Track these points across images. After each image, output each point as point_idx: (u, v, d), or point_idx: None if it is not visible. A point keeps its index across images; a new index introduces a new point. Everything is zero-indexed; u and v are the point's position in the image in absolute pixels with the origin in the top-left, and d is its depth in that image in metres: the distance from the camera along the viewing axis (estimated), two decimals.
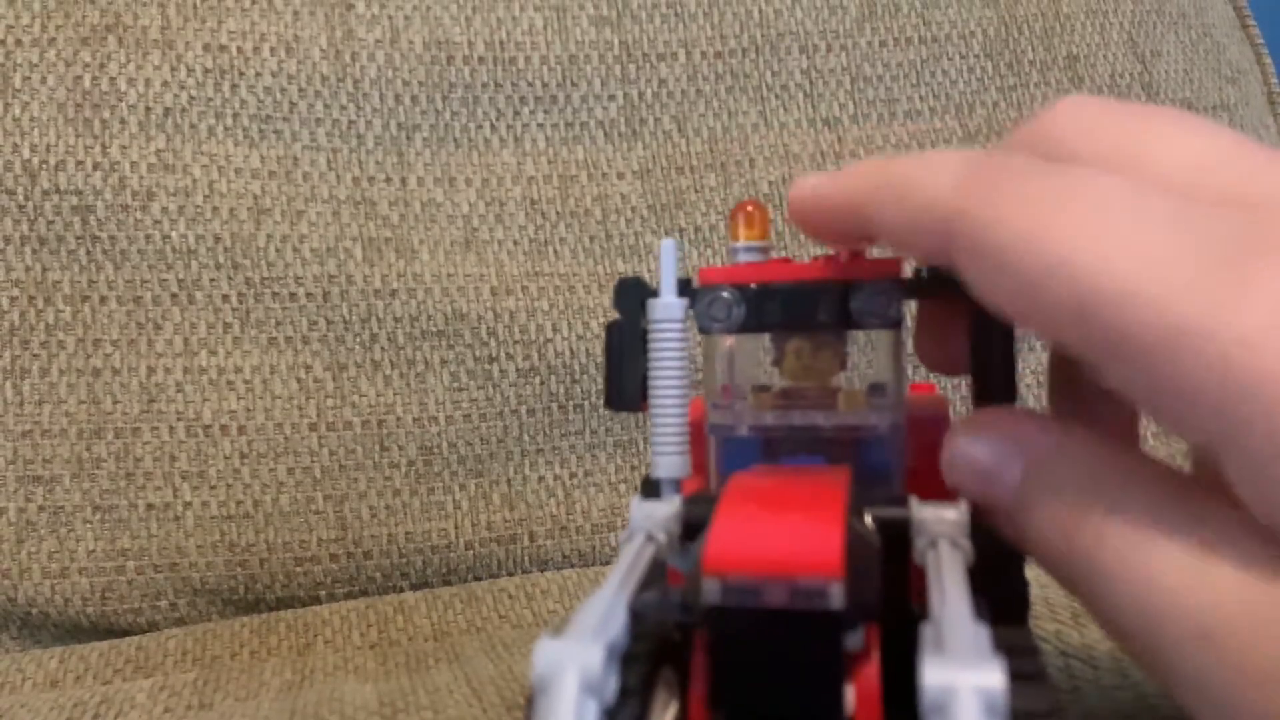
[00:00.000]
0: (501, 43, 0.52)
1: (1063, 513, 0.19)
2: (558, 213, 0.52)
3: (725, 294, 0.25)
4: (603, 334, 0.52)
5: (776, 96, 0.54)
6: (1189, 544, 0.17)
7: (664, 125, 0.53)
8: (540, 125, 0.52)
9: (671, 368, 0.24)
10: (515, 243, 0.51)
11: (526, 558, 0.50)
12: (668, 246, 0.25)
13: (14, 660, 0.44)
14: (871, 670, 0.18)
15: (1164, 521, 0.18)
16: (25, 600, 0.46)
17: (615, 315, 0.25)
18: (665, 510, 0.22)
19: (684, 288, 0.25)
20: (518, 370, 0.50)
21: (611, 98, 0.53)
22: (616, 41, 0.53)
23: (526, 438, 0.50)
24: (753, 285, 0.24)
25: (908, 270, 0.24)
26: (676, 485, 0.24)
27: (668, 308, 0.24)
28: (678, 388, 0.24)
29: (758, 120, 0.54)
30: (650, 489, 0.24)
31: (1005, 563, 0.22)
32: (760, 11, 0.55)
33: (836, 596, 0.17)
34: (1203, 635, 0.16)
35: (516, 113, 0.52)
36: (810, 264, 0.24)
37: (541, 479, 0.50)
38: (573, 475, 0.50)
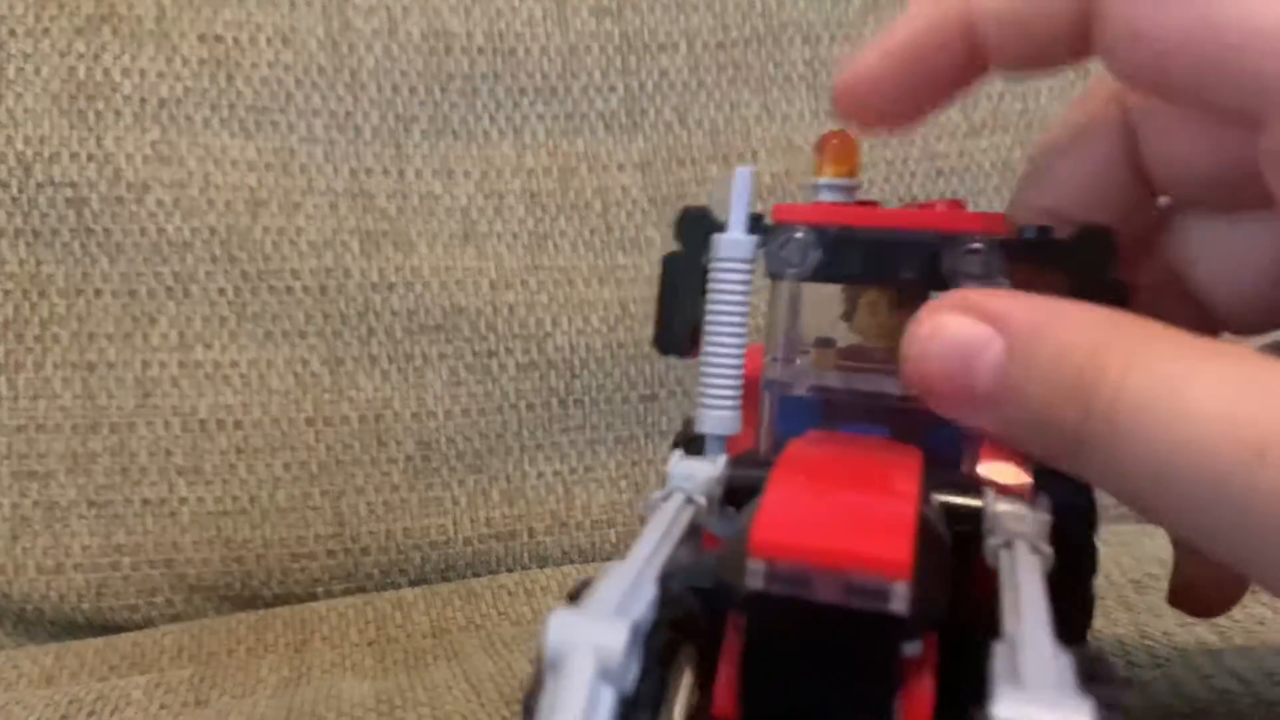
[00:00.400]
0: (501, 33, 0.52)
1: (1067, 379, 0.17)
2: (557, 205, 0.51)
3: (800, 235, 0.22)
4: (604, 327, 0.52)
5: (779, 88, 0.54)
6: (1233, 365, 0.16)
7: (665, 117, 0.53)
8: (540, 117, 0.52)
9: (732, 312, 0.22)
10: (514, 236, 0.51)
11: (526, 554, 0.50)
12: (742, 175, 0.22)
13: (9, 657, 0.43)
14: (926, 685, 0.16)
15: (1197, 352, 0.16)
16: (20, 596, 0.46)
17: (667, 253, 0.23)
18: (708, 471, 0.20)
19: (755, 224, 0.22)
20: (517, 365, 0.50)
21: (612, 89, 0.53)
22: (617, 32, 0.53)
23: (526, 433, 0.50)
24: (833, 228, 0.22)
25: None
26: (722, 443, 0.22)
27: (735, 245, 0.22)
28: (736, 334, 0.22)
29: (760, 112, 0.54)
30: (692, 445, 0.21)
31: (1077, 570, 0.20)
32: (763, 2, 0.54)
33: (900, 599, 0.15)
34: (1259, 452, 0.15)
35: (516, 104, 0.52)
36: (901, 211, 0.22)
37: (541, 474, 0.50)
38: (572, 471, 0.50)
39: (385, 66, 0.51)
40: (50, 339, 0.47)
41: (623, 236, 0.52)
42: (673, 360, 0.51)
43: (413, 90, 0.51)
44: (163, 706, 0.38)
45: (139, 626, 0.46)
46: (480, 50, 0.52)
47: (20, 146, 0.47)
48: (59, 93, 0.48)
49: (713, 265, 0.22)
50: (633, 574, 0.16)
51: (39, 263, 0.47)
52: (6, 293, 0.47)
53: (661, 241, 0.52)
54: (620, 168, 0.52)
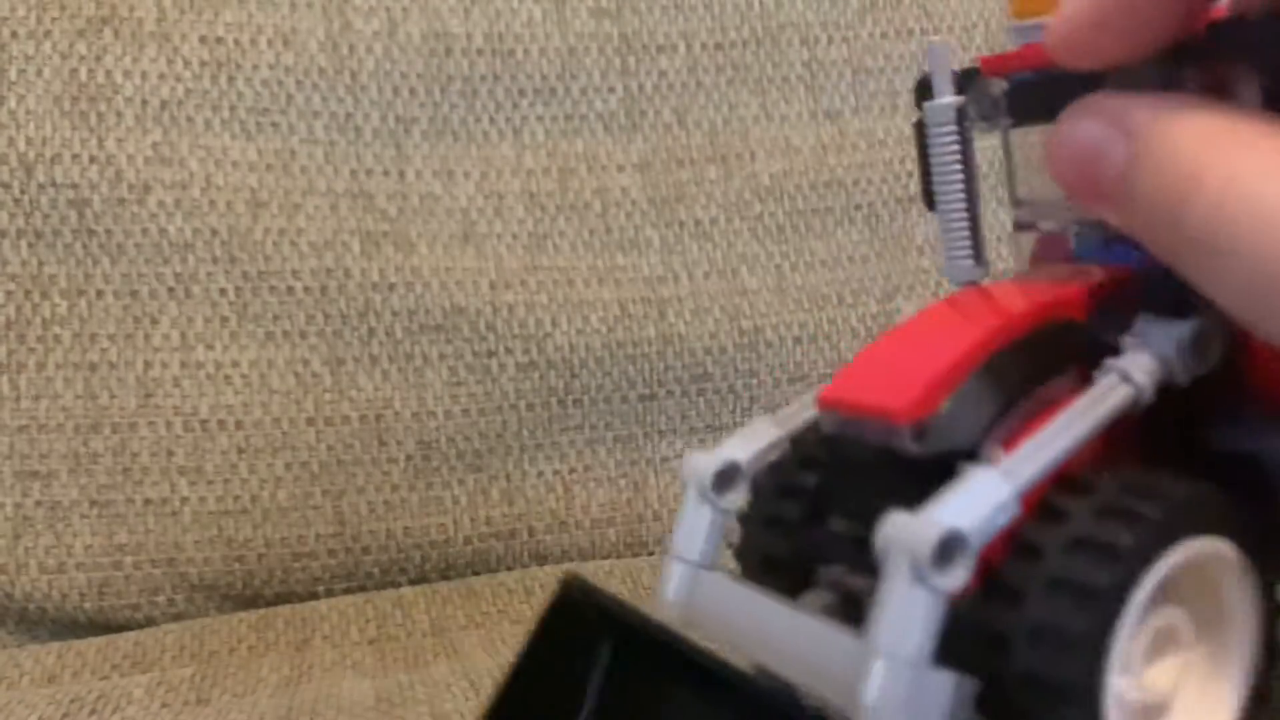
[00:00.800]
0: (500, 34, 0.52)
1: (1182, 172, 0.18)
2: (557, 206, 0.52)
3: (992, 87, 0.24)
4: (604, 327, 0.52)
5: (778, 89, 0.54)
6: None
7: (664, 118, 0.53)
8: (539, 118, 0.52)
9: (949, 170, 0.24)
10: (514, 236, 0.51)
11: (526, 553, 0.50)
12: (933, 50, 0.24)
13: (11, 656, 0.43)
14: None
15: None
16: (22, 596, 0.46)
17: None
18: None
19: (965, 81, 0.24)
20: (517, 365, 0.50)
21: (611, 90, 0.53)
22: (616, 33, 0.53)
23: (525, 432, 0.50)
24: (1018, 74, 0.23)
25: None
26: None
27: (937, 110, 0.24)
28: (959, 191, 0.24)
29: (759, 113, 0.54)
30: None
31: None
32: (761, 3, 0.54)
33: (906, 438, 0.18)
34: None
35: (515, 105, 0.52)
36: None
37: (541, 474, 0.50)
38: (572, 470, 0.50)
39: (385, 68, 0.51)
40: (52, 339, 0.47)
41: (622, 237, 0.52)
42: (671, 360, 0.51)
43: (413, 91, 0.51)
44: (164, 705, 0.39)
45: (141, 625, 0.46)
46: (480, 51, 0.52)
47: (22, 148, 0.47)
48: (60, 94, 0.48)
49: (928, 132, 0.24)
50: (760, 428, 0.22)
51: (41, 263, 0.47)
52: (8, 293, 0.47)
53: (661, 242, 0.52)
54: (619, 168, 0.52)
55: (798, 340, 0.52)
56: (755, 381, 0.51)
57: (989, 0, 0.57)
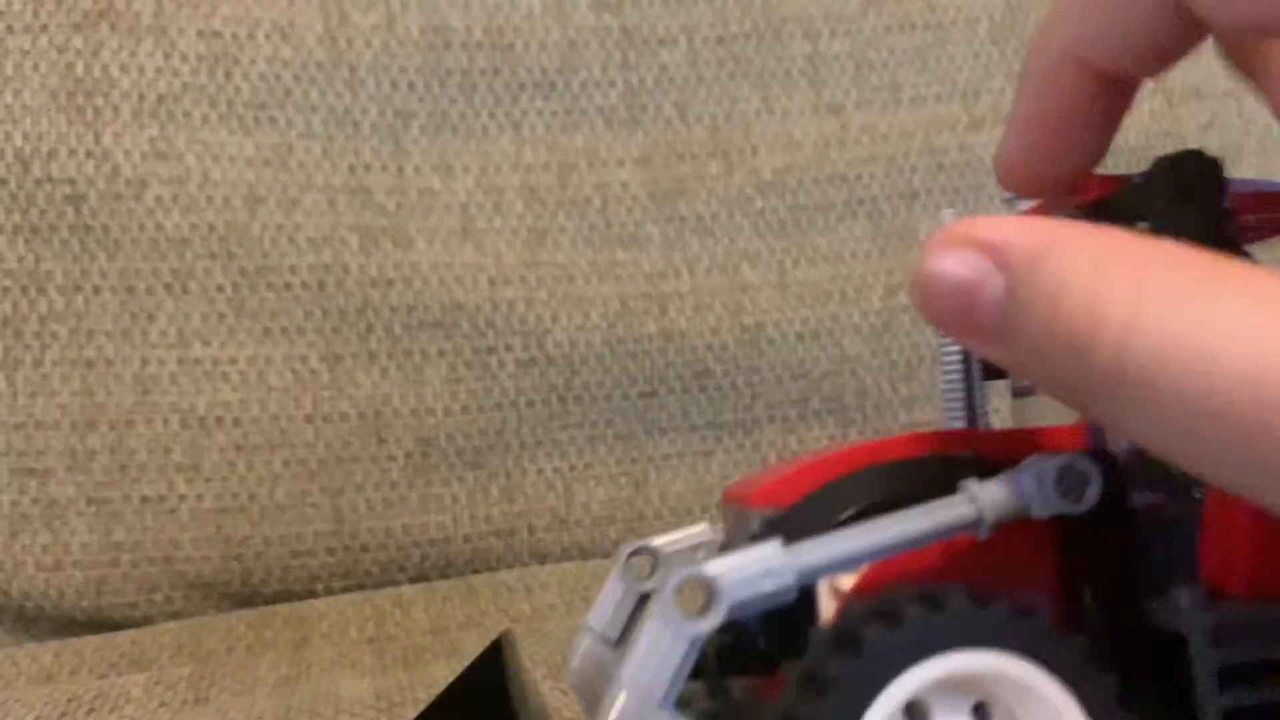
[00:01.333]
0: (500, 28, 0.52)
1: (1066, 319, 0.16)
2: (557, 201, 0.51)
3: None
4: (604, 323, 0.52)
5: (779, 83, 0.54)
6: (1262, 298, 0.14)
7: (665, 112, 0.53)
8: (539, 112, 0.52)
9: (947, 344, 0.24)
10: (513, 232, 0.51)
11: (526, 551, 0.50)
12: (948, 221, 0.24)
13: (8, 654, 0.43)
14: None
15: (1216, 281, 0.15)
16: (19, 594, 0.46)
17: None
18: None
19: None
20: (516, 361, 0.50)
21: (611, 84, 0.52)
22: (616, 27, 0.53)
23: (525, 430, 0.50)
24: None
25: None
26: None
27: None
28: (956, 363, 0.24)
29: (760, 107, 0.53)
30: None
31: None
32: None
33: (757, 522, 0.21)
34: None
35: (515, 99, 0.52)
36: None
37: (541, 471, 0.50)
38: (572, 468, 0.50)
39: (384, 62, 0.51)
40: (49, 336, 0.47)
41: (622, 232, 0.52)
42: (672, 356, 0.51)
43: (411, 86, 0.51)
44: (162, 704, 0.38)
45: (138, 624, 0.46)
46: (479, 45, 0.51)
47: (18, 143, 0.47)
48: (57, 89, 0.48)
49: None
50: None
51: (37, 259, 0.47)
52: (5, 289, 0.47)
53: (661, 237, 0.52)
54: (620, 163, 0.52)
55: (800, 336, 0.52)
56: (757, 378, 0.51)
57: None
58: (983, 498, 0.19)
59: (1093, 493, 0.19)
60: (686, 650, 0.18)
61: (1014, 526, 0.20)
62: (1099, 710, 0.18)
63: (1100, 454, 0.20)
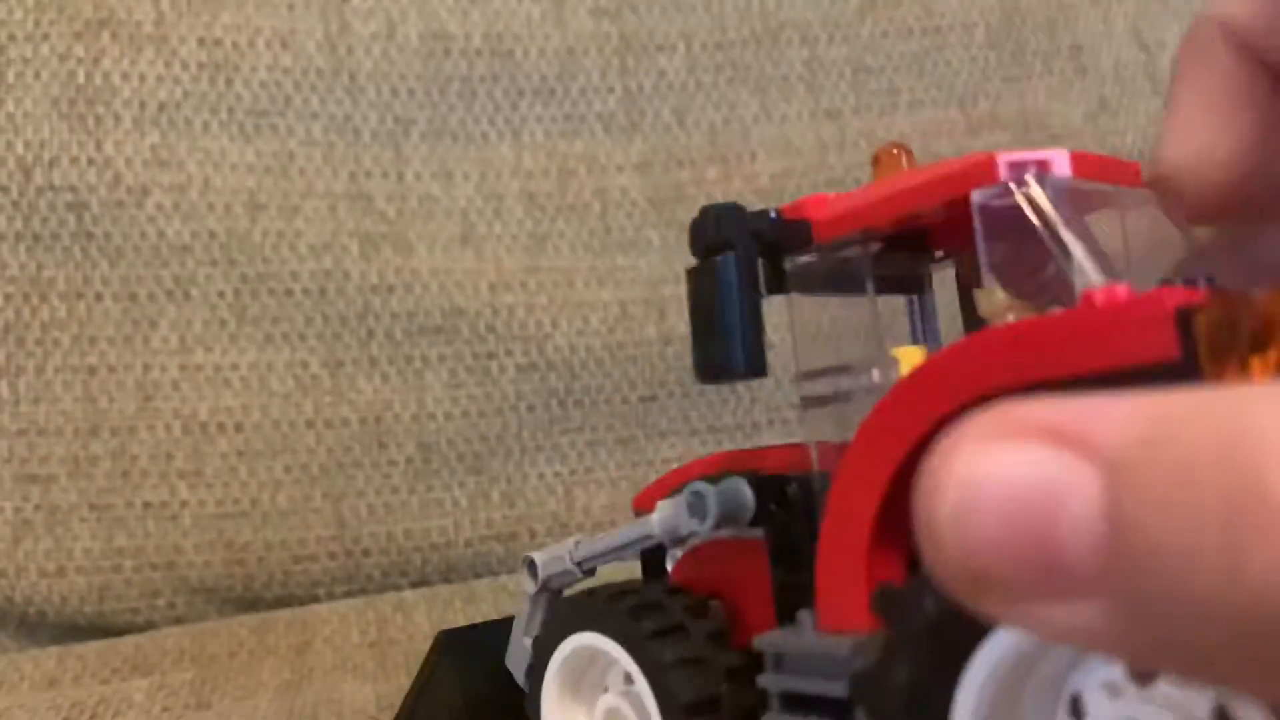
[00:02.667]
0: (499, 35, 0.52)
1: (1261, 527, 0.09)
2: (556, 207, 0.51)
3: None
4: (604, 328, 0.52)
5: (778, 88, 0.54)
6: None
7: (664, 118, 0.53)
8: (539, 119, 0.52)
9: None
10: (514, 237, 0.51)
11: None
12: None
13: (11, 660, 0.43)
14: None
15: None
16: (23, 599, 0.46)
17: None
18: None
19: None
20: (517, 366, 0.50)
21: (610, 90, 0.52)
22: (615, 33, 0.53)
23: (526, 434, 0.50)
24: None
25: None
26: None
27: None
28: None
29: (758, 112, 0.53)
30: None
31: None
32: (761, 2, 0.54)
33: None
34: None
35: (514, 106, 0.52)
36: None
37: (541, 476, 0.50)
38: (573, 472, 0.50)
39: (384, 69, 0.51)
40: (51, 343, 0.47)
41: (622, 238, 0.52)
42: (672, 361, 0.51)
43: (411, 93, 0.51)
44: (164, 709, 0.38)
45: (141, 629, 0.46)
46: (479, 52, 0.51)
47: (20, 151, 0.47)
48: (58, 97, 0.48)
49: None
50: None
51: (40, 267, 0.47)
52: (7, 297, 0.47)
53: (661, 242, 0.52)
54: (619, 169, 0.52)
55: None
56: (756, 382, 0.51)
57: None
58: (654, 519, 0.25)
59: (714, 516, 0.23)
60: (528, 605, 0.29)
61: (739, 541, 0.24)
62: (658, 674, 0.23)
63: (763, 479, 0.23)
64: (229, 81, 0.49)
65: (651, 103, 0.53)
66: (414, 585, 0.49)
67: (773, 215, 0.22)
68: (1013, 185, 0.20)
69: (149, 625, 0.47)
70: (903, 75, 0.55)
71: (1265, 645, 0.09)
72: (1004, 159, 0.21)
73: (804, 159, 0.53)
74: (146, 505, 0.47)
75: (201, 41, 0.49)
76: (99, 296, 0.47)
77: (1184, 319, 0.16)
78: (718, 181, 0.53)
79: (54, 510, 0.46)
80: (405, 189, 0.50)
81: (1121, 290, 0.17)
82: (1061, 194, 0.20)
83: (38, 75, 0.48)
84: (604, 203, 0.52)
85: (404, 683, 0.38)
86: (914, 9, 0.55)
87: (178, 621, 0.47)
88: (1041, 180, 0.20)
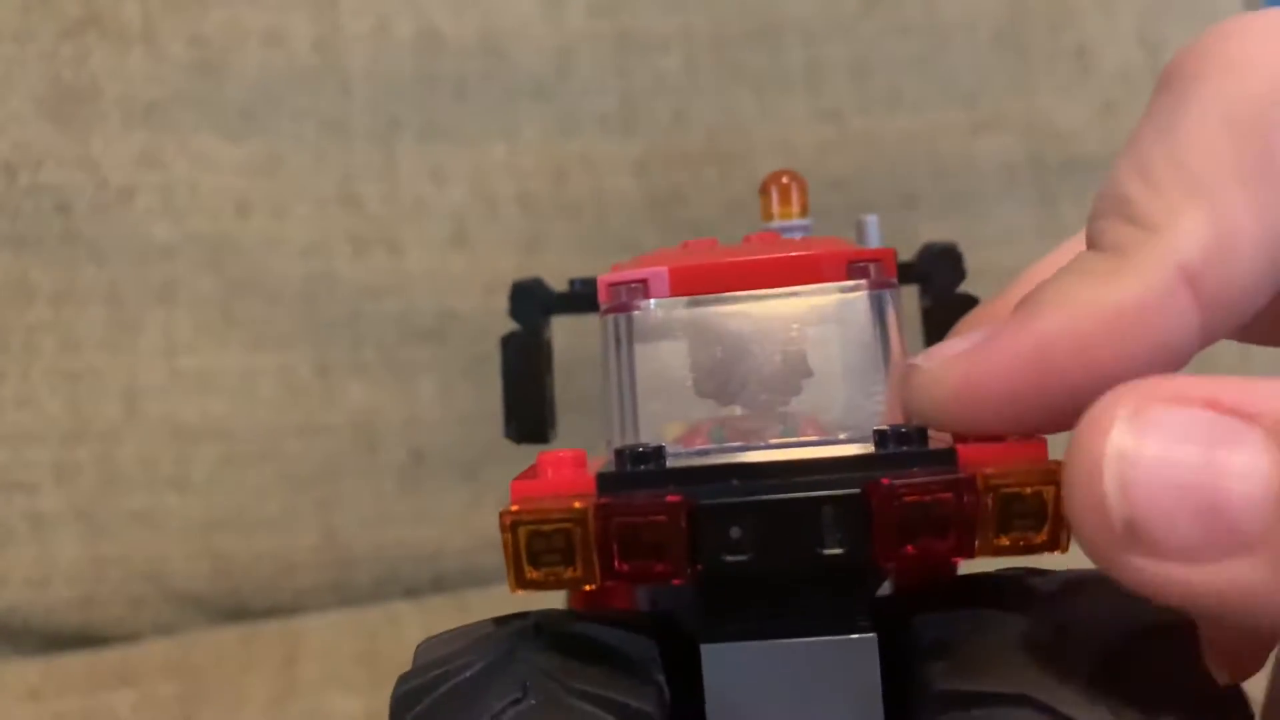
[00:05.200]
0: (493, 33, 0.51)
1: None
2: (551, 208, 0.51)
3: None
4: (593, 333, 0.51)
5: (777, 87, 0.53)
6: None
7: (661, 118, 0.52)
8: (533, 118, 0.51)
9: None
10: (508, 239, 0.50)
11: None
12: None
13: None
14: None
15: None
16: (6, 609, 0.45)
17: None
18: None
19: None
20: None
21: (607, 89, 0.52)
22: (611, 31, 0.52)
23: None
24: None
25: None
26: None
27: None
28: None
29: (757, 112, 0.53)
30: None
31: None
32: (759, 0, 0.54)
33: None
34: None
35: (508, 106, 0.51)
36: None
37: None
38: None
39: (375, 69, 0.50)
40: (36, 347, 0.46)
41: (618, 239, 0.51)
42: None
43: (403, 92, 0.50)
44: None
45: (126, 638, 0.46)
46: (471, 51, 0.51)
47: (5, 151, 0.47)
48: (44, 96, 0.47)
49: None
50: None
51: (25, 269, 0.47)
52: None
53: (658, 244, 0.51)
54: (615, 169, 0.52)
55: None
56: None
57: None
58: None
59: None
60: None
61: None
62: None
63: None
64: (218, 81, 0.49)
65: (649, 102, 0.52)
66: (404, 596, 0.48)
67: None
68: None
69: (134, 635, 0.46)
70: (905, 75, 0.54)
71: None
72: (602, 280, 0.21)
73: (804, 159, 0.52)
74: (132, 513, 0.46)
75: (190, 41, 0.49)
76: (85, 299, 0.47)
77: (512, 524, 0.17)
78: (716, 182, 0.52)
79: (38, 518, 0.46)
80: (397, 190, 0.50)
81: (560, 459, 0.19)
82: (659, 321, 0.20)
83: (23, 74, 0.47)
84: (600, 204, 0.51)
85: None
86: (916, 8, 0.55)
87: (164, 631, 0.46)
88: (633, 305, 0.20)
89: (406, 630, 0.44)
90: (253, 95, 0.49)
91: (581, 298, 0.23)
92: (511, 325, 0.23)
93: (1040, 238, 0.52)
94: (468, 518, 0.49)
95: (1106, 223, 0.16)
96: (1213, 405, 0.12)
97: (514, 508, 0.17)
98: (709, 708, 0.18)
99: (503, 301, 0.50)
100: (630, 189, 0.52)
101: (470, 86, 0.51)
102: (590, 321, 0.23)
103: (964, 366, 0.16)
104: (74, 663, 0.43)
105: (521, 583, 0.17)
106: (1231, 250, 0.15)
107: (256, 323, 0.48)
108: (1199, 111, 0.16)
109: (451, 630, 0.20)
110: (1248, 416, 0.11)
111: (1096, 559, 0.13)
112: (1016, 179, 0.54)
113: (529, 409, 0.23)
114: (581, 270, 0.51)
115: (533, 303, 0.23)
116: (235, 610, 0.47)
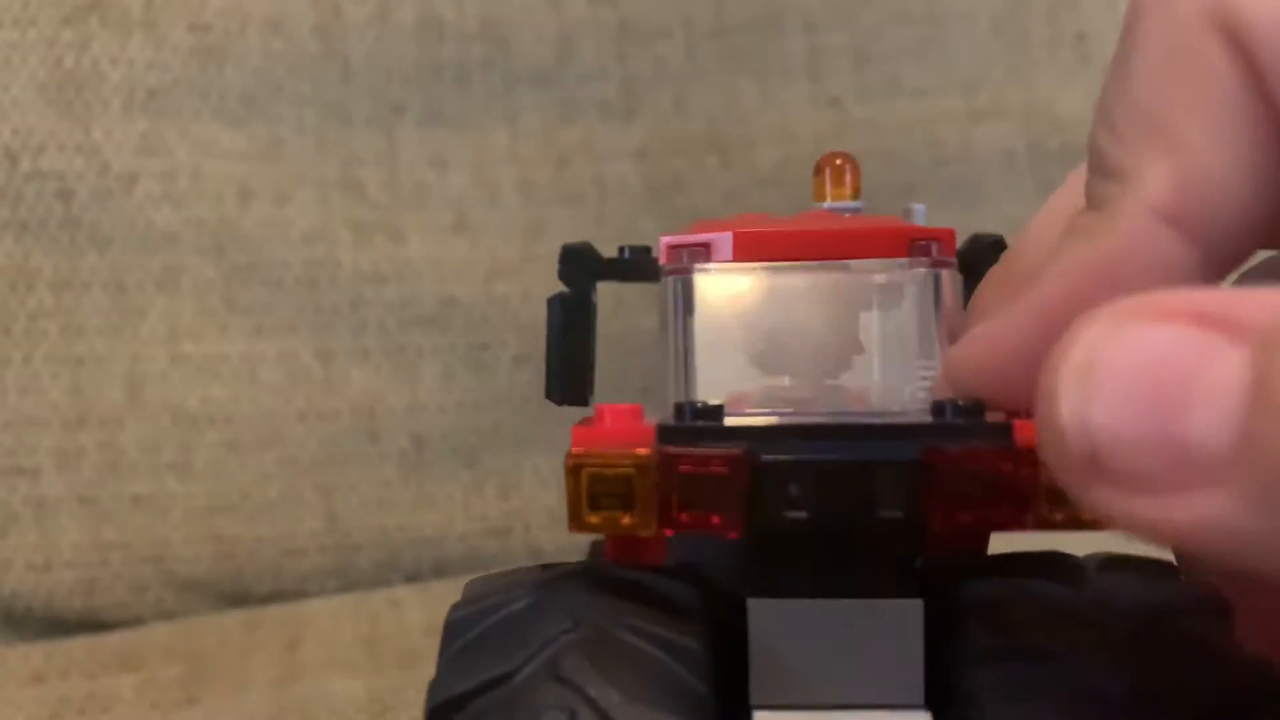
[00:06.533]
0: (494, 20, 0.51)
1: None
2: (552, 195, 0.51)
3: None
4: (600, 318, 0.51)
5: (778, 75, 0.53)
6: None
7: (662, 105, 0.52)
8: (534, 105, 0.51)
9: None
10: (509, 226, 0.50)
11: (521, 550, 0.49)
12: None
13: None
14: None
15: None
16: (9, 594, 0.46)
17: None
18: None
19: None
20: (512, 357, 0.49)
21: (608, 77, 0.52)
22: (612, 18, 0.52)
23: (521, 427, 0.49)
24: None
25: None
26: None
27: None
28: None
29: (758, 100, 0.53)
30: None
31: None
32: None
33: None
34: None
35: (509, 92, 0.51)
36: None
37: (536, 469, 0.49)
38: None
39: (377, 55, 0.50)
40: (39, 333, 0.46)
41: (619, 227, 0.51)
42: None
43: (404, 79, 0.50)
44: (153, 705, 0.38)
45: (129, 623, 0.46)
46: (473, 38, 0.51)
47: (7, 138, 0.47)
48: (46, 83, 0.47)
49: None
50: None
51: (26, 255, 0.47)
52: None
53: (658, 231, 0.51)
54: (616, 157, 0.52)
55: None
56: None
57: None
58: None
59: None
60: None
61: None
62: None
63: None
64: (219, 67, 0.49)
65: (649, 90, 0.52)
66: (406, 580, 0.48)
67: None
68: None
69: (137, 620, 0.46)
70: (905, 62, 0.54)
71: None
72: (665, 241, 0.21)
73: (804, 147, 0.52)
74: (135, 498, 0.46)
75: (191, 27, 0.49)
76: (87, 285, 0.47)
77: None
78: (717, 169, 0.52)
79: (41, 503, 0.46)
80: (398, 176, 0.50)
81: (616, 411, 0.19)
82: (717, 284, 0.20)
83: (25, 61, 0.47)
84: (601, 191, 0.51)
85: (396, 679, 0.38)
86: None
87: (166, 616, 0.47)
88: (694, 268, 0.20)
89: (408, 615, 0.44)
90: (254, 82, 0.49)
91: (630, 265, 0.23)
92: (552, 290, 0.23)
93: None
94: (469, 503, 0.49)
95: (1091, 180, 0.16)
96: (1200, 318, 0.11)
97: (579, 450, 0.17)
98: (753, 663, 0.18)
99: (502, 288, 0.50)
100: (631, 176, 0.52)
101: (471, 73, 0.51)
102: (617, 291, 0.24)
103: (983, 345, 0.16)
104: (77, 647, 0.43)
105: (579, 525, 0.18)
106: (1203, 182, 0.15)
107: (258, 309, 0.48)
108: (1143, 50, 0.16)
109: (499, 571, 0.20)
110: (1235, 328, 0.10)
111: (1068, 492, 0.12)
112: (1016, 167, 0.54)
113: (573, 371, 0.24)
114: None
115: (582, 266, 0.23)
116: (237, 595, 0.47)
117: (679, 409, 0.18)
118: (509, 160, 0.51)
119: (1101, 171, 0.16)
